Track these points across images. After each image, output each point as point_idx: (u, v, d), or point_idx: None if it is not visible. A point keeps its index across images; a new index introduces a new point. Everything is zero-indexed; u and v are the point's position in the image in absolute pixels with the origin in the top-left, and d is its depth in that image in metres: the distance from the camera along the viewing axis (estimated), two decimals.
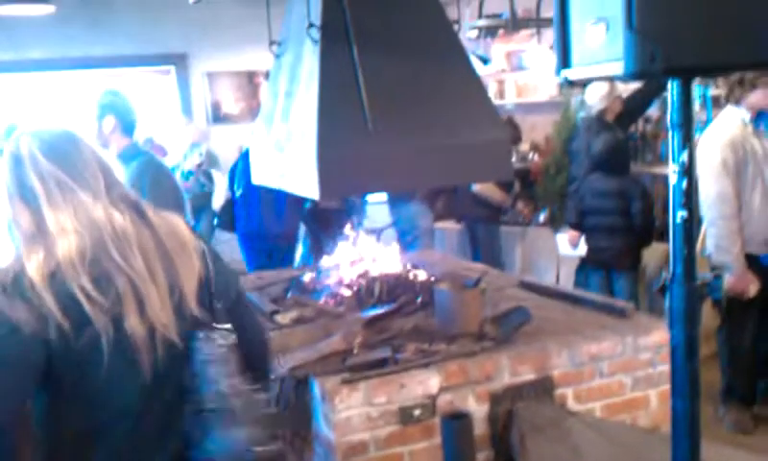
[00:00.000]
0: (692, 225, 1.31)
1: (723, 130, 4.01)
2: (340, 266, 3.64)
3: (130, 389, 1.55)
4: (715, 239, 3.95)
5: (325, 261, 3.81)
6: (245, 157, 6.04)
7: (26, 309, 1.43)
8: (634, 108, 5.77)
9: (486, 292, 3.22)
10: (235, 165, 6.11)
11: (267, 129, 3.38)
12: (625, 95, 5.61)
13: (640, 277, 5.34)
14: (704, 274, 1.33)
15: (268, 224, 5.97)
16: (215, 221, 6.80)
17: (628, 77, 1.20)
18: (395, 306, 3.14)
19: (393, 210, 5.98)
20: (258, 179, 3.52)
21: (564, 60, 1.39)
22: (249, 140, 6.12)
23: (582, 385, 2.78)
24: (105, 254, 1.52)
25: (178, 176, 6.54)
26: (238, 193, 6.06)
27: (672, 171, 1.31)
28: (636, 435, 2.60)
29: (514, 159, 6.39)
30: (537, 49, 7.05)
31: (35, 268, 1.46)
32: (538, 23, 4.84)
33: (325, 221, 5.82)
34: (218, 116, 8.05)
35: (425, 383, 2.53)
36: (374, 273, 3.47)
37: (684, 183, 1.30)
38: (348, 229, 3.92)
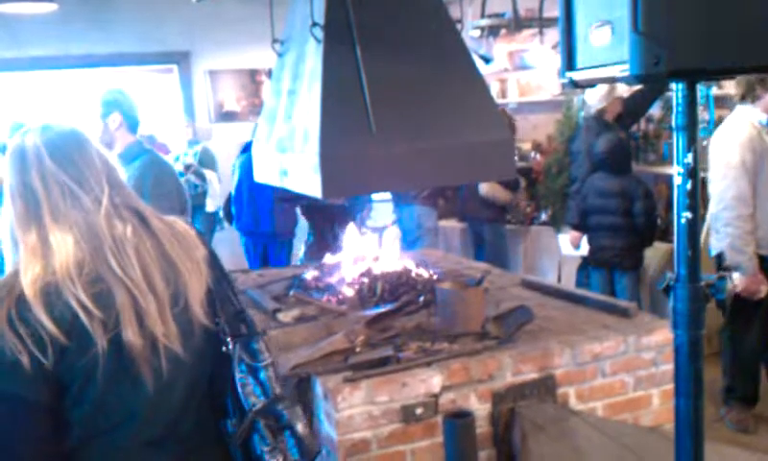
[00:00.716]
0: (696, 226, 1.32)
1: (738, 129, 3.99)
2: (342, 264, 3.65)
3: (131, 399, 1.54)
4: (731, 239, 3.93)
5: (328, 259, 3.82)
6: (241, 153, 6.12)
7: (21, 333, 1.41)
8: (635, 108, 5.77)
9: (488, 291, 3.23)
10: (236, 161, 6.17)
11: (269, 127, 3.38)
12: (626, 95, 5.61)
13: (643, 276, 5.35)
14: (708, 275, 1.33)
15: (258, 221, 6.04)
16: (220, 214, 6.86)
17: (633, 79, 1.21)
18: (397, 305, 3.15)
19: (396, 209, 6.00)
20: (261, 177, 3.53)
21: (569, 63, 1.39)
22: (247, 136, 6.22)
23: (584, 384, 2.78)
24: (104, 265, 1.50)
25: None
26: (233, 189, 6.14)
27: (676, 173, 1.32)
28: (638, 434, 2.61)
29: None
30: (539, 48, 7.05)
31: (29, 281, 1.45)
32: (540, 23, 4.83)
33: (329, 218, 5.84)
34: (220, 114, 8.05)
35: (427, 382, 2.54)
36: (377, 271, 3.48)
37: (689, 185, 1.30)
38: (350, 227, 3.93)
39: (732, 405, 4.28)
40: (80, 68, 7.75)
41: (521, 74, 7.23)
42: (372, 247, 3.73)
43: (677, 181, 1.32)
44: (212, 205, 7.03)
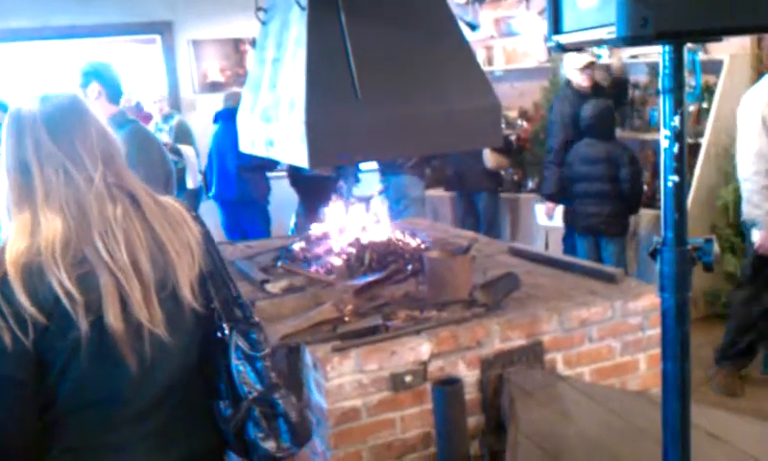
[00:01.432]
0: (683, 190, 1.32)
1: (763, 90, 4.07)
2: (330, 235, 3.64)
3: (113, 379, 1.53)
4: (747, 194, 4.04)
5: (315, 230, 3.80)
6: (213, 121, 6.16)
7: (4, 311, 1.41)
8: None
9: (475, 259, 3.24)
10: None
11: (254, 97, 3.35)
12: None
13: (629, 242, 5.38)
14: (694, 238, 1.33)
15: (224, 188, 6.09)
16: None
17: (620, 42, 1.20)
18: (385, 274, 3.15)
19: (383, 179, 6.00)
20: (246, 147, 3.50)
21: (556, 26, 1.38)
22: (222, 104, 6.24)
23: (571, 350, 2.80)
24: (90, 247, 1.49)
25: None
26: (207, 158, 6.21)
27: (663, 136, 1.31)
28: (625, 399, 2.63)
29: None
30: (525, 15, 7.01)
31: (12, 260, 1.44)
32: None
33: (317, 190, 5.84)
34: (204, 85, 7.98)
35: (416, 350, 2.55)
36: (364, 241, 3.48)
37: (676, 148, 1.30)
38: (337, 197, 3.92)
39: (724, 366, 4.32)
40: (62, 39, 7.65)
41: (508, 41, 7.19)
42: (360, 216, 3.72)
43: (664, 144, 1.31)
44: (192, 181, 6.72)
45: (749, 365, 4.39)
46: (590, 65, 5.55)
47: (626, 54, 6.19)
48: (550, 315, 2.76)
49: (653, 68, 5.98)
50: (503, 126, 5.77)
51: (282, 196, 6.54)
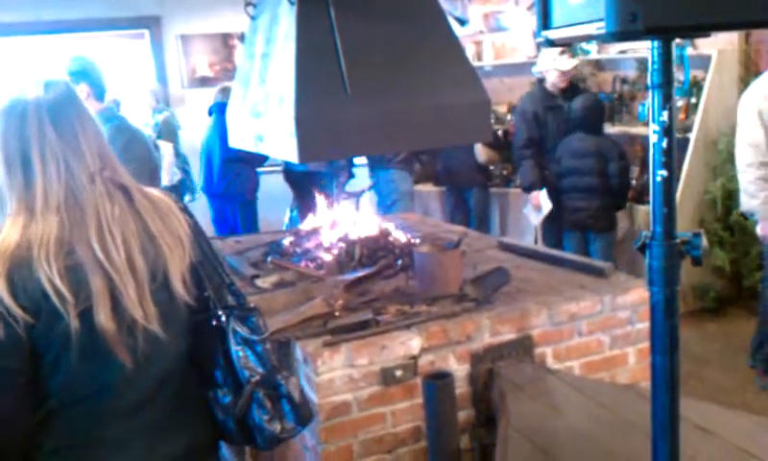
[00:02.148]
0: (672, 184, 1.32)
1: (762, 83, 4.11)
2: (320, 230, 3.64)
3: (105, 373, 1.52)
4: (743, 184, 4.09)
5: (305, 225, 3.80)
6: (209, 114, 6.15)
7: None
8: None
9: (465, 254, 3.24)
10: None
11: (243, 92, 3.35)
12: (568, 68, 5.57)
13: (615, 238, 5.39)
14: (682, 233, 1.34)
15: (211, 182, 6.09)
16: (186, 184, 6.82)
17: (609, 37, 1.20)
18: (375, 269, 3.15)
19: (372, 174, 5.99)
20: (236, 142, 3.49)
21: (545, 21, 1.38)
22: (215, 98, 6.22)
23: (561, 344, 2.81)
24: (84, 245, 1.48)
25: None
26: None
27: (652, 131, 1.32)
28: (614, 392, 2.65)
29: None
30: (514, 10, 7.02)
31: (1, 252, 1.43)
32: None
33: (310, 185, 5.84)
34: (193, 80, 7.95)
35: (407, 344, 2.56)
36: (354, 236, 3.48)
37: (665, 143, 1.30)
38: (326, 193, 3.92)
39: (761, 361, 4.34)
40: (51, 34, 7.60)
41: (497, 36, 7.20)
42: (350, 211, 3.72)
43: (652, 139, 1.32)
44: (165, 177, 6.52)
45: None
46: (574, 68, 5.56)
47: (615, 49, 6.21)
48: (540, 309, 2.77)
49: (642, 63, 6.00)
50: (492, 121, 5.78)
51: (272, 191, 6.53)
